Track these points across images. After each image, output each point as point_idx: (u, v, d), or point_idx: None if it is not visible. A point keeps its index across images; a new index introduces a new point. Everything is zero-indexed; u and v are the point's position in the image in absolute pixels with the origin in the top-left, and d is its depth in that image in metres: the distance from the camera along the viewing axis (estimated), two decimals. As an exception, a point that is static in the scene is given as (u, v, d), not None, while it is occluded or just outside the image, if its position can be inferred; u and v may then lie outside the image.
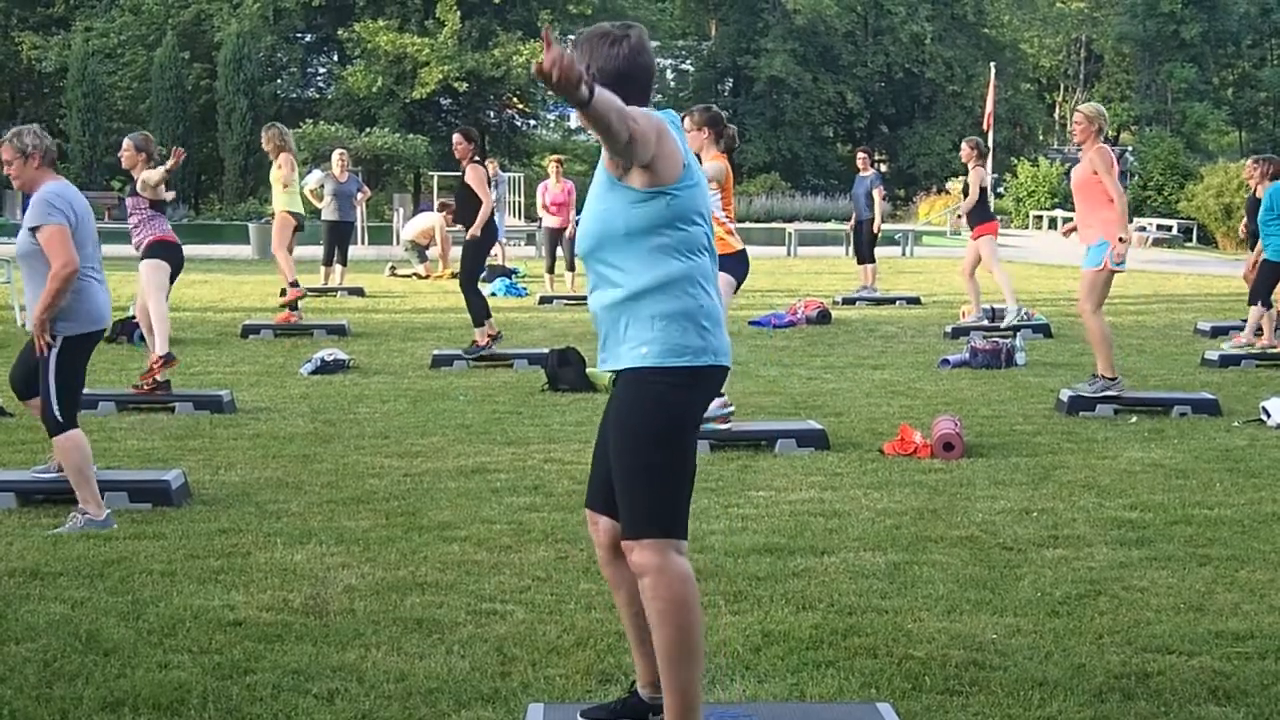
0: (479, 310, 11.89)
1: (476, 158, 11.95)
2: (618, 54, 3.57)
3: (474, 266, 12.08)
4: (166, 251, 9.61)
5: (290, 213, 14.16)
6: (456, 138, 11.97)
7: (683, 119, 8.40)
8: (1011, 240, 34.04)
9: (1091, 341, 9.69)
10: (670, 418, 3.53)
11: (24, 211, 6.58)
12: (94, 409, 9.27)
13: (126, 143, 9.66)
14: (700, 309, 3.55)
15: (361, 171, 35.78)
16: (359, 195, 18.71)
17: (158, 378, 9.51)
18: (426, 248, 21.47)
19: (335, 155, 18.17)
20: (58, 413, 6.37)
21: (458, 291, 12.47)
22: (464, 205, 12.06)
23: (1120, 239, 9.22)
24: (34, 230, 6.31)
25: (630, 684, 3.97)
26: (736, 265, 8.26)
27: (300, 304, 14.26)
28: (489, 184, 12.11)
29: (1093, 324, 9.45)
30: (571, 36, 3.73)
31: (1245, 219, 14.10)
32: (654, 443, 3.51)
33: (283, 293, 14.35)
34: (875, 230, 17.79)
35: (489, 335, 11.90)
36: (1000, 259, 14.12)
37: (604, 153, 3.51)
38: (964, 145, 14.51)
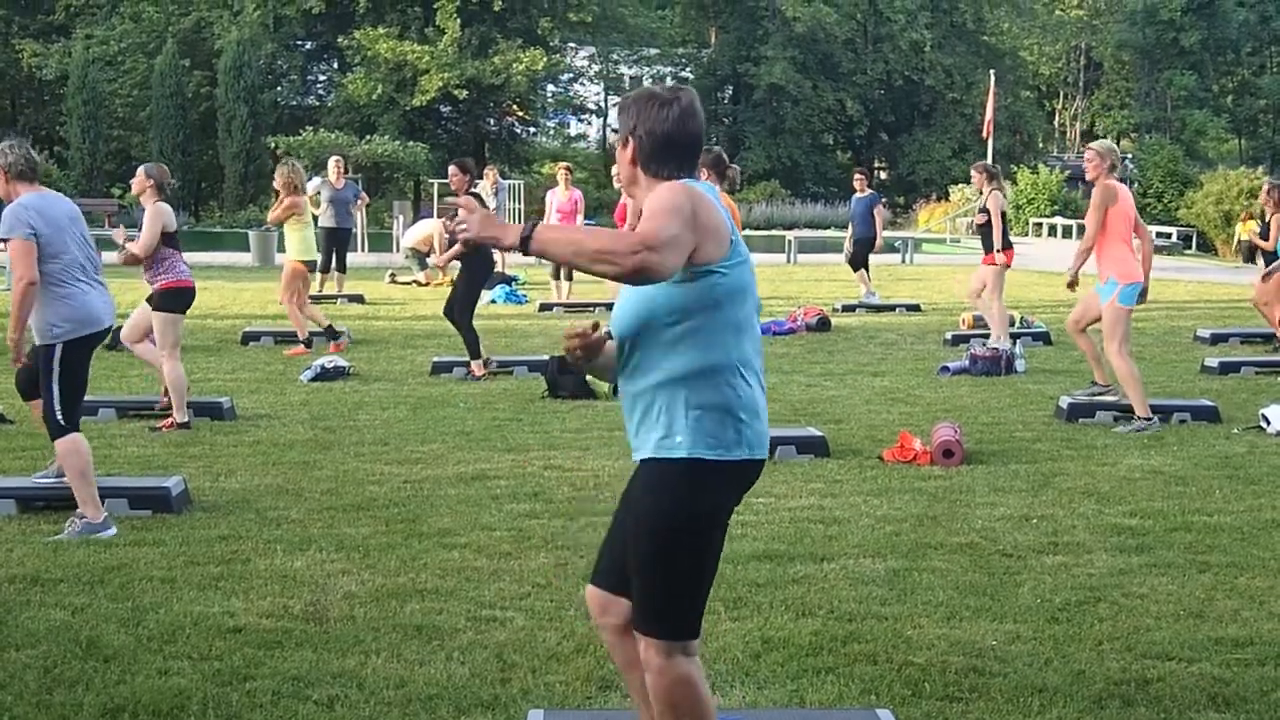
0: (473, 343, 11.73)
1: (472, 188, 11.82)
2: (666, 117, 3.36)
3: (470, 300, 11.85)
4: (178, 300, 9.14)
5: (304, 262, 13.57)
6: (452, 170, 11.73)
7: None
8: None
9: (1122, 383, 9.32)
10: (695, 513, 3.33)
11: None
12: (94, 415, 9.27)
13: (140, 171, 9.22)
14: (739, 400, 3.32)
15: (362, 179, 35.86)
16: (357, 202, 18.65)
17: (166, 430, 9.29)
18: (427, 255, 21.45)
19: (331, 162, 18.12)
20: (60, 417, 6.41)
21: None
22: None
23: (1068, 272, 9.45)
24: (2, 242, 6.37)
25: None
26: None
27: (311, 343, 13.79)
28: (492, 193, 12.04)
29: (1120, 365, 9.15)
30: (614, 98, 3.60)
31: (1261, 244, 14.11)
32: (675, 538, 3.31)
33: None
34: (878, 249, 17.92)
35: (484, 360, 11.80)
36: (1003, 294, 13.60)
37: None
38: (974, 173, 13.90)
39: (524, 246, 3.17)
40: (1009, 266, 13.61)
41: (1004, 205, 13.63)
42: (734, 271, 3.31)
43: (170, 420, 9.14)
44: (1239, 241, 31.79)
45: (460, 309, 11.72)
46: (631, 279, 3.15)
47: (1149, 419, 9.23)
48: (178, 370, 9.10)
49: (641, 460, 3.37)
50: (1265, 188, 13.67)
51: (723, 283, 3.29)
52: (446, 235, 18.45)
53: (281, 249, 14.06)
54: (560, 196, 17.62)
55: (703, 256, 3.24)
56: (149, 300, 9.19)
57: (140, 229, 9.34)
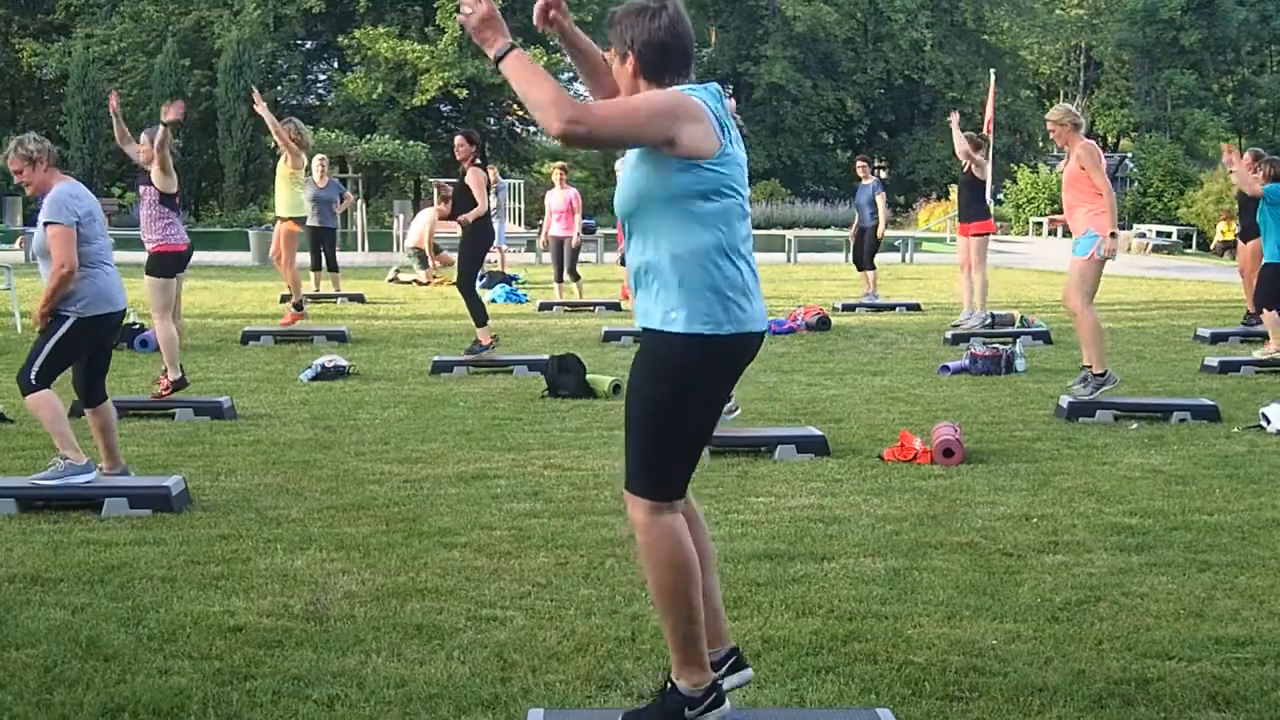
0: (478, 311, 12.10)
1: (478, 161, 12.07)
2: (657, 26, 3.65)
3: (470, 268, 12.28)
4: (169, 264, 9.78)
5: (295, 219, 14.29)
6: (459, 140, 12.12)
7: None
8: (1011, 247, 34.09)
9: (1081, 336, 9.66)
10: (683, 383, 3.64)
11: (34, 214, 6.98)
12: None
13: (143, 137, 9.91)
14: (726, 280, 3.64)
15: (362, 178, 35.85)
16: (340, 201, 18.66)
17: (164, 394, 9.62)
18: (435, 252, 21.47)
19: (315, 160, 18.13)
20: (33, 375, 6.79)
21: (459, 297, 12.53)
22: (461, 207, 12.15)
23: (1111, 234, 9.34)
24: (46, 225, 6.76)
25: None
26: None
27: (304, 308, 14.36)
28: (489, 190, 12.22)
29: (1085, 317, 9.49)
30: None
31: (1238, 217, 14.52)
32: (663, 405, 3.64)
33: (284, 298, 14.38)
34: (880, 236, 17.75)
35: (492, 337, 12.11)
36: (986, 264, 14.40)
37: None
38: (964, 140, 14.58)
39: (497, 63, 3.54)
40: (990, 234, 14.55)
41: (985, 173, 14.56)
42: (722, 169, 3.64)
43: (164, 380, 9.57)
44: (1220, 242, 33.02)
45: (462, 280, 12.14)
46: (554, 137, 3.51)
47: (1104, 374, 9.52)
48: (169, 329, 9.61)
49: (645, 329, 3.71)
50: (1251, 154, 13.70)
51: (710, 177, 3.62)
52: (441, 214, 18.81)
53: None
54: (556, 197, 17.60)
55: (690, 149, 3.57)
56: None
57: (142, 223, 9.95)
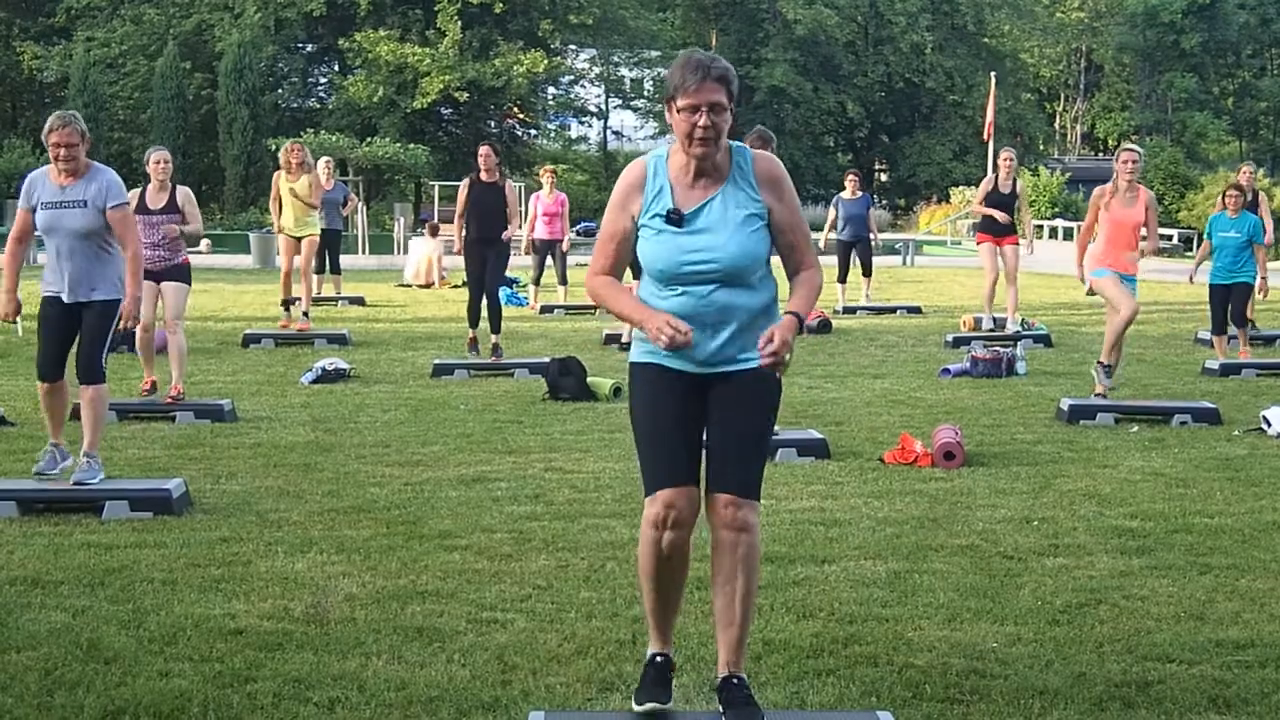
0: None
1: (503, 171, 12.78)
2: None
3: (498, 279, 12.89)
4: None
5: (324, 231, 14.79)
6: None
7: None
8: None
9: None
10: None
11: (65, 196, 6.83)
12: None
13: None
14: None
15: (362, 181, 35.85)
16: (346, 204, 18.64)
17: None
18: (427, 286, 21.32)
19: (321, 163, 18.12)
20: (105, 362, 6.96)
21: (458, 300, 12.60)
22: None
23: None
24: (116, 207, 6.84)
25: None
26: None
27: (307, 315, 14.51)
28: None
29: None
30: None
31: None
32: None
33: (305, 314, 14.53)
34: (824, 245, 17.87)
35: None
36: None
37: (748, 191, 4.26)
38: (1006, 154, 15.02)
39: (802, 325, 4.18)
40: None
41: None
42: None
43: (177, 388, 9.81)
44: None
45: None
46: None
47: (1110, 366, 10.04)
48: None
49: (755, 366, 4.08)
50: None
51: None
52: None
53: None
54: (546, 199, 17.57)
55: None
56: None
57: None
